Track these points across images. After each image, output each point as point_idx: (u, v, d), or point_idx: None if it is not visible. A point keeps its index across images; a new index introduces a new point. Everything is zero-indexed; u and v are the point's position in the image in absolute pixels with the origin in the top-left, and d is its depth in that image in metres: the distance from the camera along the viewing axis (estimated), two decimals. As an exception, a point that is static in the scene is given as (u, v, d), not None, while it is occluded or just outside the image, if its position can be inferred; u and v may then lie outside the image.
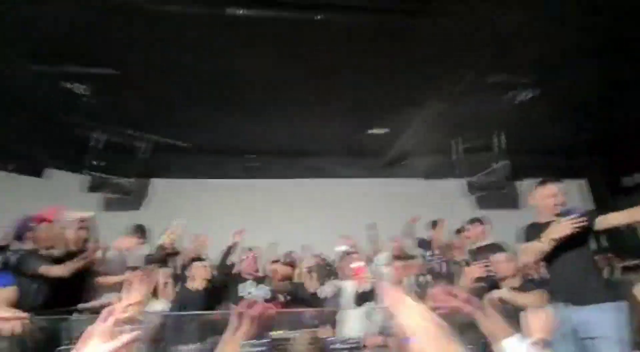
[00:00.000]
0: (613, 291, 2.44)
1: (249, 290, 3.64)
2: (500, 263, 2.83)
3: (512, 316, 1.36)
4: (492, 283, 2.86)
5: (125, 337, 0.84)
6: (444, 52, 3.62)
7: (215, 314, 3.07)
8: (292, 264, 4.41)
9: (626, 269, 4.49)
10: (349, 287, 3.12)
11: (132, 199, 5.45)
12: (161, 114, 4.83)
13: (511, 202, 5.82)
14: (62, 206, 3.34)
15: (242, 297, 3.55)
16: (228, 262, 3.93)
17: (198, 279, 3.36)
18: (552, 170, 4.65)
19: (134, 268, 3.49)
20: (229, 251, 3.95)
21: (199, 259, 3.60)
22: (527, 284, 2.82)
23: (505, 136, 5.26)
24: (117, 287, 2.88)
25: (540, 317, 1.29)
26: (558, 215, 2.44)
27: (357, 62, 3.81)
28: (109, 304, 0.95)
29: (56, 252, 2.99)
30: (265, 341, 2.48)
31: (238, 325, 1.17)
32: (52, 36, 3.38)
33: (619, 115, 4.94)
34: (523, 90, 4.20)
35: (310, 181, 6.34)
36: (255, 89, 4.27)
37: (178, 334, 2.81)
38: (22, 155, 5.23)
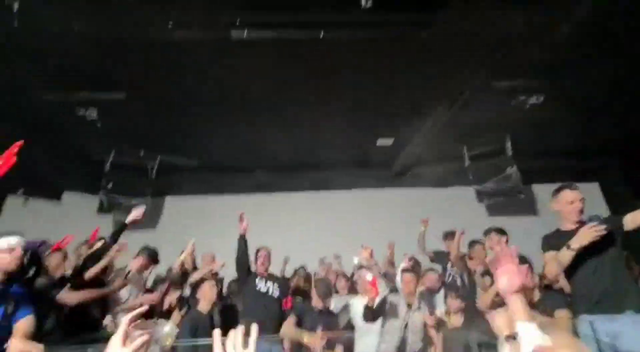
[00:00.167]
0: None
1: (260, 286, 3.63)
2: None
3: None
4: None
5: (139, 341, 0.90)
6: (450, 59, 3.64)
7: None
8: (308, 279, 4.44)
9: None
10: (357, 303, 3.05)
11: (146, 219, 5.54)
12: (172, 134, 4.95)
13: (524, 208, 5.74)
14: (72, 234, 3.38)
15: (258, 291, 3.54)
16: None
17: (206, 300, 3.27)
18: (563, 173, 4.60)
19: (149, 290, 3.53)
20: (243, 242, 3.72)
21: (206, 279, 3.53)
22: (549, 298, 2.76)
23: (515, 141, 5.22)
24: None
25: (505, 315, 1.31)
26: (581, 222, 2.35)
27: (363, 73, 3.86)
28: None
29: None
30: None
31: None
32: (65, 66, 3.53)
33: (632, 116, 4.85)
34: (533, 94, 4.16)
35: (320, 194, 6.36)
36: (261, 106, 4.35)
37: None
38: (42, 180, 5.40)
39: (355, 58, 3.62)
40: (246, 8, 3.04)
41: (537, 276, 3.07)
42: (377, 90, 4.18)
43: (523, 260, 3.01)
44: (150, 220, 5.72)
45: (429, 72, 3.86)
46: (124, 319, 0.92)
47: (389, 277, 3.62)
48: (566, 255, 2.27)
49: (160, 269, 4.04)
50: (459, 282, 3.90)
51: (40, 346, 2.07)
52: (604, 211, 5.63)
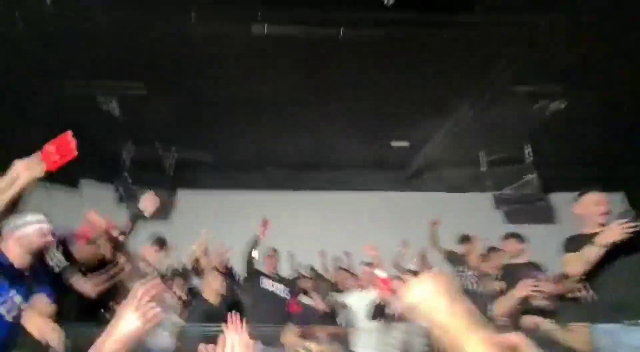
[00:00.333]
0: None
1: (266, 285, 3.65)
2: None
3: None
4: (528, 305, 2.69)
5: (151, 313, 0.91)
6: (472, 61, 3.58)
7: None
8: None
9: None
10: (356, 302, 3.01)
11: (160, 210, 5.61)
12: (189, 130, 4.99)
13: (543, 216, 5.57)
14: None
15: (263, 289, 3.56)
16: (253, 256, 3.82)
17: (213, 291, 3.22)
18: (586, 182, 4.43)
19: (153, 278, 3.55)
20: (256, 242, 3.82)
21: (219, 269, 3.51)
22: (565, 307, 2.67)
23: (535, 147, 5.08)
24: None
25: None
26: (604, 225, 2.24)
27: (380, 73, 3.83)
28: None
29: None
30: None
31: None
32: (85, 57, 3.60)
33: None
34: (555, 98, 4.05)
35: (333, 194, 6.32)
36: (279, 104, 4.35)
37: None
38: (60, 167, 5.52)
39: (376, 57, 3.59)
40: (267, 2, 3.03)
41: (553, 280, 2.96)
42: (396, 90, 4.13)
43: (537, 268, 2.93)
44: (164, 213, 5.79)
45: (450, 74, 3.80)
46: (139, 290, 0.93)
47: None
48: (592, 251, 2.14)
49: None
50: (472, 286, 3.81)
51: (59, 330, 2.00)
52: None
